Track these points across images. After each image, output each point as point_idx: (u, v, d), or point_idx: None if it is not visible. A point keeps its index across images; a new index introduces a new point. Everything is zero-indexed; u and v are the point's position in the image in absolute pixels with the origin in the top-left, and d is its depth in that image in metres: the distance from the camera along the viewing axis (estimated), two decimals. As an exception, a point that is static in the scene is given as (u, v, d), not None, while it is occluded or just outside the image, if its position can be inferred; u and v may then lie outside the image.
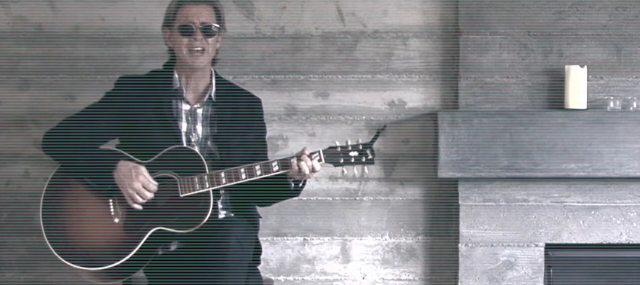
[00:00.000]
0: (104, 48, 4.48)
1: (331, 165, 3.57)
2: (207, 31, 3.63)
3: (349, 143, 3.60)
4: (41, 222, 3.56)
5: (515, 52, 4.47)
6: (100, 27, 4.48)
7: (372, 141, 3.59)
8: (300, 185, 3.61)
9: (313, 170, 3.51)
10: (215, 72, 3.79)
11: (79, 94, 4.42)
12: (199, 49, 3.62)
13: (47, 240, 3.53)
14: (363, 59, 4.52)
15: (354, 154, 3.56)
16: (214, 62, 3.78)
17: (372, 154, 3.58)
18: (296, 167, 3.48)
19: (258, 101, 3.87)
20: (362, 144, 3.59)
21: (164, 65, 3.79)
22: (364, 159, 3.57)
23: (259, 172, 3.51)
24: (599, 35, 4.46)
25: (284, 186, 3.58)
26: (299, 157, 3.50)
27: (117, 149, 3.67)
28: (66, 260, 3.51)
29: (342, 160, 3.56)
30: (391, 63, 4.53)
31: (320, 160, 3.54)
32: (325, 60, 4.51)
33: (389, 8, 4.51)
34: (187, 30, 3.62)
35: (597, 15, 4.45)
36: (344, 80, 4.51)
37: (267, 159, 3.63)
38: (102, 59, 4.48)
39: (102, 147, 3.69)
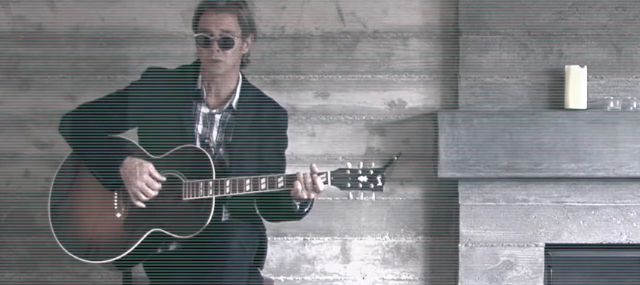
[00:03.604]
0: (104, 48, 4.48)
1: (337, 188, 3.48)
2: (224, 43, 3.52)
3: (361, 167, 3.47)
4: (49, 209, 3.55)
5: (515, 52, 4.47)
6: (100, 27, 4.48)
7: (385, 167, 3.47)
8: (306, 210, 3.55)
9: (315, 189, 3.42)
10: (243, 78, 3.73)
11: (79, 94, 4.41)
12: (215, 59, 3.53)
13: (51, 227, 3.52)
14: (363, 59, 4.52)
15: (363, 179, 3.44)
16: (242, 64, 3.68)
17: (383, 181, 3.45)
18: (299, 187, 3.41)
19: (283, 113, 3.79)
20: (374, 169, 3.47)
21: (193, 63, 3.72)
22: (372, 186, 3.45)
23: (263, 186, 3.45)
24: (599, 35, 4.46)
25: (288, 204, 3.52)
26: (304, 174, 3.42)
27: (127, 140, 3.62)
28: (66, 247, 3.50)
29: (349, 185, 3.45)
30: (391, 63, 4.53)
31: (326, 182, 3.44)
32: (325, 60, 4.51)
33: (389, 8, 4.51)
34: (204, 42, 3.55)
35: (597, 16, 4.45)
36: (344, 80, 4.51)
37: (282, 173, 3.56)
38: (102, 59, 4.48)
39: (116, 136, 3.64)
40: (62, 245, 3.53)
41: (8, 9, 4.45)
